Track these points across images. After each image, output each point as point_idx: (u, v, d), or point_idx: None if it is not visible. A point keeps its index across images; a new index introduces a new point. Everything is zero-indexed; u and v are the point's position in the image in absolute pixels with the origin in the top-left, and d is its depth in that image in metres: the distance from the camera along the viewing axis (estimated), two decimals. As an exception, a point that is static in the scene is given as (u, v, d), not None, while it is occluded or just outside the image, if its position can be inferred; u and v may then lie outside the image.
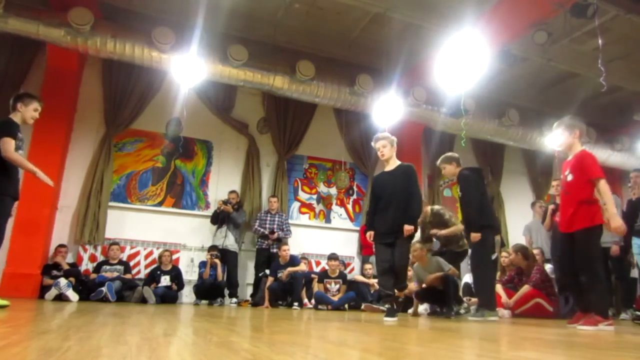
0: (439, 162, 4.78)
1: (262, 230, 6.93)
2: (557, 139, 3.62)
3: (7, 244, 5.91)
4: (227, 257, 6.77)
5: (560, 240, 3.60)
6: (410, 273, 6.30)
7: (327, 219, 8.25)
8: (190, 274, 6.91)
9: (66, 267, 6.03)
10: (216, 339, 1.79)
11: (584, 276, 3.29)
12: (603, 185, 3.28)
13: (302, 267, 6.54)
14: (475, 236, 4.19)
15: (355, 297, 6.54)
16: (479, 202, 4.34)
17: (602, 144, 8.81)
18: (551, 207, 5.84)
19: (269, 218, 7.11)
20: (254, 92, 7.79)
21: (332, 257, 6.74)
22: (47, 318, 2.75)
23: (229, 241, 6.78)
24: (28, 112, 3.81)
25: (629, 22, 6.41)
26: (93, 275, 6.12)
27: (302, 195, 8.18)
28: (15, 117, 3.76)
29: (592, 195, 3.36)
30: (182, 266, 6.84)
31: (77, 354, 1.22)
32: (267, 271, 6.61)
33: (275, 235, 6.87)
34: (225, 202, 6.81)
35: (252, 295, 6.90)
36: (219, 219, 6.86)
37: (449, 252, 5.21)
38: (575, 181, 3.41)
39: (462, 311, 4.70)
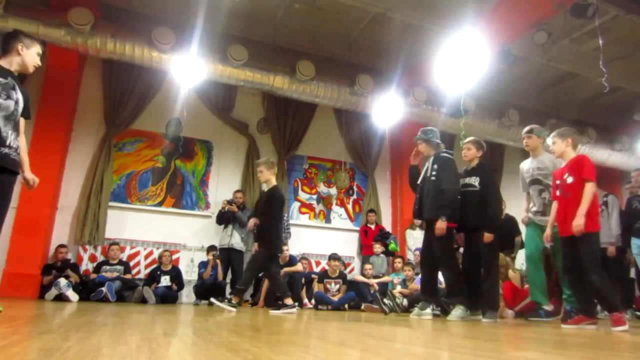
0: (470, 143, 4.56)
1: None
2: (551, 147, 3.83)
3: (7, 243, 5.92)
4: (233, 257, 6.76)
5: (565, 246, 3.63)
6: (409, 273, 6.33)
7: (327, 219, 8.25)
8: (190, 274, 6.91)
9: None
10: (216, 339, 1.79)
11: (594, 277, 3.36)
12: (591, 187, 3.43)
13: (299, 267, 6.55)
14: (489, 237, 4.12)
15: (355, 297, 6.54)
16: (499, 201, 4.37)
17: (602, 144, 8.81)
18: None
19: None
20: (254, 92, 7.79)
21: (333, 257, 6.73)
22: (47, 318, 2.75)
23: (235, 240, 6.78)
24: (30, 57, 3.01)
25: (629, 22, 6.41)
26: (93, 275, 6.12)
27: (302, 195, 8.18)
28: (10, 63, 2.95)
29: (594, 198, 3.47)
30: (182, 266, 6.84)
31: (77, 354, 1.22)
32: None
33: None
34: (229, 202, 6.82)
35: (252, 296, 6.90)
36: (224, 218, 6.86)
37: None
38: (576, 183, 3.52)
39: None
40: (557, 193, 3.76)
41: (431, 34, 6.77)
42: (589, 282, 3.40)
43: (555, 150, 3.81)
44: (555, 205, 3.82)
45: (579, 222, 3.34)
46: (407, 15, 6.55)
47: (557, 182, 3.77)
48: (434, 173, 4.29)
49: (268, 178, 4.76)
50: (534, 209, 4.38)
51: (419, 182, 4.53)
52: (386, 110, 7.01)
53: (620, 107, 9.12)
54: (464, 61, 5.76)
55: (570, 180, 3.60)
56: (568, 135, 3.76)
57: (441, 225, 4.04)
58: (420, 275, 4.85)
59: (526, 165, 4.52)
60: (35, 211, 6.02)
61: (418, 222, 7.68)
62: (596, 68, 5.70)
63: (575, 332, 2.99)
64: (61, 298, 5.58)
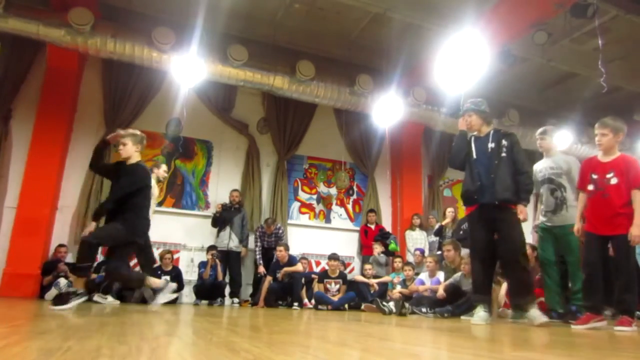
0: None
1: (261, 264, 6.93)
2: (598, 138, 3.54)
3: (7, 243, 5.92)
4: (231, 258, 6.77)
5: (592, 242, 3.53)
6: (409, 273, 6.33)
7: (327, 219, 8.25)
8: (190, 274, 6.91)
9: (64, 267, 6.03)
10: (216, 339, 1.79)
11: (623, 278, 3.34)
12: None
13: (299, 267, 6.55)
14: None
15: (355, 297, 6.54)
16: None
17: (602, 144, 8.79)
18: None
19: (265, 238, 7.11)
20: (254, 92, 7.80)
21: (333, 257, 6.73)
22: (47, 318, 2.75)
23: (234, 243, 6.80)
24: None
25: (629, 22, 6.41)
26: (93, 275, 6.11)
27: (302, 196, 8.18)
28: None
29: (630, 201, 3.41)
30: (182, 266, 6.83)
31: (77, 354, 1.22)
32: (264, 272, 6.67)
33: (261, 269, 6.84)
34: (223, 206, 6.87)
35: (252, 295, 6.90)
36: (220, 222, 6.87)
37: None
38: (620, 185, 3.41)
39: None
40: (591, 187, 3.53)
41: (431, 34, 6.77)
42: (618, 281, 3.36)
43: (603, 143, 3.51)
44: (583, 198, 3.64)
45: (638, 233, 3.26)
46: (407, 15, 6.55)
47: (594, 176, 3.53)
48: (504, 150, 3.72)
49: (131, 154, 3.93)
50: (544, 208, 4.29)
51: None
52: (386, 110, 7.01)
53: (620, 107, 9.10)
54: (463, 61, 5.76)
55: (614, 181, 3.42)
56: (621, 130, 3.49)
57: (525, 211, 3.63)
58: (471, 271, 4.40)
59: (540, 165, 4.47)
60: (35, 211, 6.02)
61: (417, 221, 7.72)
62: (596, 68, 5.69)
63: (577, 332, 2.99)
64: (61, 298, 5.57)
